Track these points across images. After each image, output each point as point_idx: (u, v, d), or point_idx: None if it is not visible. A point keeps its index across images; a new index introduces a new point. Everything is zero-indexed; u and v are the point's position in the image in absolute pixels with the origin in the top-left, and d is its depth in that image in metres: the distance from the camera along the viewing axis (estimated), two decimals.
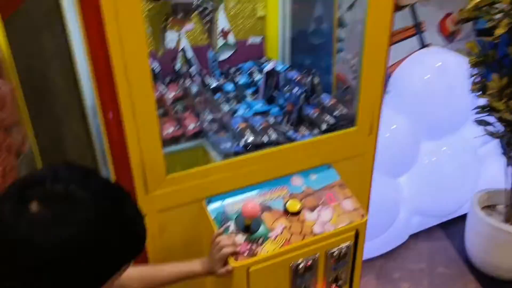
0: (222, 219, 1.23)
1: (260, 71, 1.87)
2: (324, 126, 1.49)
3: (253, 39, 1.99)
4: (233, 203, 1.26)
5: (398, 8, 2.30)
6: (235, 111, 1.62)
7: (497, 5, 1.95)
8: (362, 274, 1.44)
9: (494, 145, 2.56)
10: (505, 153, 2.25)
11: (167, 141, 1.50)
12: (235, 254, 1.14)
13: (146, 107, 1.07)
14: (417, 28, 2.41)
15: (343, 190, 1.33)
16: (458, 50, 2.26)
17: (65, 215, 0.65)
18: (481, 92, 2.16)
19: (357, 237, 1.26)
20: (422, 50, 2.45)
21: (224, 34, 1.89)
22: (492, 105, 2.10)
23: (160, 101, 1.61)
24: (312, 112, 1.56)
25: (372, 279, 2.38)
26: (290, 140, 1.44)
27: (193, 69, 1.76)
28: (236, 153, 1.36)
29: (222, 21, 1.87)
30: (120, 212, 0.71)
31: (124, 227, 0.71)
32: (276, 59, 2.01)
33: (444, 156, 2.46)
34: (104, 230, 0.68)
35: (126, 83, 1.02)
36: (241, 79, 1.80)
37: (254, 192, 1.29)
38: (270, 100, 1.70)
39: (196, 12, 1.25)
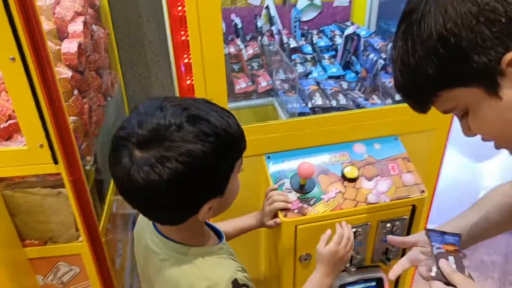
0: (279, 175, 1.26)
1: (342, 34, 1.82)
2: (398, 97, 1.43)
3: (340, 1, 1.94)
4: (292, 162, 1.28)
5: None
6: (309, 73, 1.61)
7: None
8: None
9: None
10: None
11: (239, 95, 1.54)
12: (286, 210, 1.17)
13: (215, 59, 1.11)
14: None
15: (406, 163, 1.29)
16: None
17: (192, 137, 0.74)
18: None
19: (414, 212, 1.23)
20: None
21: None
22: None
23: (237, 57, 1.66)
24: (389, 81, 1.50)
25: None
26: (359, 107, 1.41)
27: (274, 28, 1.77)
28: (302, 114, 1.37)
29: None
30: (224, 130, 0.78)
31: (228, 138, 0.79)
32: (362, 24, 1.94)
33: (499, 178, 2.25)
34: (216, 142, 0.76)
35: (198, 37, 1.06)
36: (321, 42, 1.77)
37: (314, 154, 1.30)
38: (347, 65, 1.66)
39: None
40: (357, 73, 1.62)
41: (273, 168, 1.28)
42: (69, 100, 1.25)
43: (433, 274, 0.88)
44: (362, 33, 1.68)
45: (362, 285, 1.28)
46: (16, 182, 1.26)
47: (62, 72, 1.25)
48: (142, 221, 0.95)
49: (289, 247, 1.21)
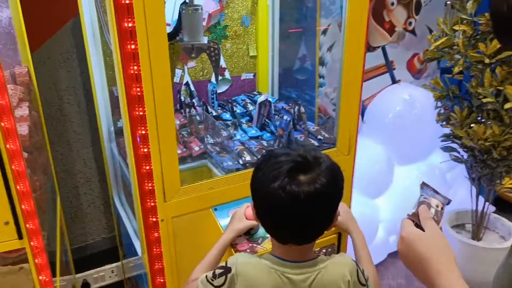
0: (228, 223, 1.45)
1: (253, 102, 2.14)
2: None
3: (246, 75, 2.28)
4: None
5: (370, 48, 2.62)
6: (233, 136, 1.87)
7: (455, 47, 2.27)
8: None
9: (461, 170, 2.85)
10: (469, 176, 2.53)
11: None
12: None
13: (168, 130, 1.31)
14: (388, 66, 2.74)
15: None
16: (424, 86, 2.57)
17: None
18: (445, 122, 2.46)
19: (340, 238, 1.50)
20: (393, 85, 2.77)
21: (222, 70, 2.17)
22: (455, 133, 2.39)
23: None
24: (299, 136, 1.82)
25: None
26: None
27: (195, 100, 2.03)
28: (237, 170, 1.60)
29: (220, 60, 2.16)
30: None
31: None
32: (266, 92, 2.29)
33: (416, 180, 2.73)
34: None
35: (153, 110, 1.27)
36: (237, 109, 2.07)
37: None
38: (262, 127, 1.96)
39: (204, 52, 1.52)
40: (272, 133, 1.92)
41: (221, 217, 1.47)
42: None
43: (409, 213, 0.91)
44: (270, 99, 2.02)
45: None
46: None
47: None
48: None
49: None
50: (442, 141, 2.50)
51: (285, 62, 2.30)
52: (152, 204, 1.39)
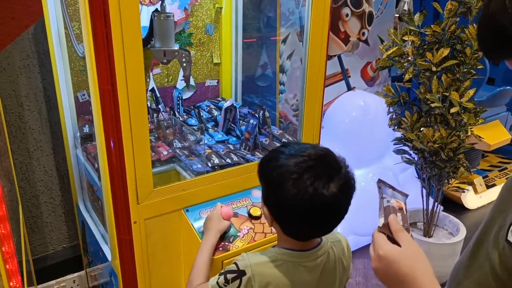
0: (200, 224, 1.50)
1: (217, 108, 2.20)
2: None
3: (210, 82, 2.33)
4: (207, 211, 1.54)
5: (327, 57, 2.74)
6: (200, 140, 1.92)
7: (405, 55, 2.42)
8: None
9: (412, 171, 3.02)
10: (419, 177, 2.68)
11: None
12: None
13: (142, 132, 1.35)
14: (344, 74, 2.88)
15: None
16: (377, 92, 2.72)
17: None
18: (397, 127, 2.60)
19: None
20: (348, 92, 2.90)
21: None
22: (406, 136, 2.54)
23: None
24: (265, 140, 1.90)
25: None
26: (249, 161, 1.76)
27: (161, 106, 2.06)
28: (207, 172, 1.65)
29: None
30: None
31: None
32: (230, 98, 2.36)
33: (372, 182, 2.87)
34: None
35: (127, 113, 1.30)
36: (203, 115, 2.11)
37: (224, 202, 1.58)
38: (228, 131, 2.02)
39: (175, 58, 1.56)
40: (237, 137, 1.99)
41: (192, 218, 1.51)
42: None
43: (379, 225, 0.87)
44: (235, 105, 2.08)
45: None
46: None
47: None
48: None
49: None
50: (395, 144, 2.64)
51: (247, 69, 2.38)
52: (125, 206, 1.41)
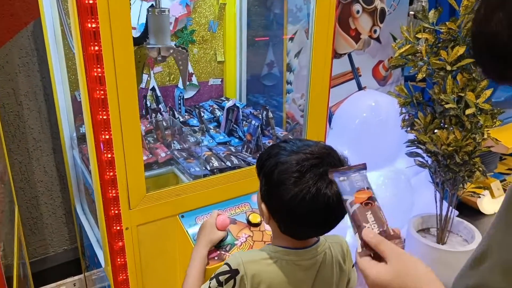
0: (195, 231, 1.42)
1: (220, 108, 2.12)
2: None
3: (214, 81, 2.25)
4: (203, 217, 1.46)
5: (337, 55, 2.65)
6: (200, 142, 1.84)
7: (418, 54, 2.32)
8: None
9: (426, 175, 2.90)
10: (433, 181, 2.58)
11: None
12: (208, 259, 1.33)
13: (133, 134, 1.27)
14: (354, 73, 2.77)
15: None
16: (389, 92, 2.62)
17: None
18: (409, 128, 2.50)
19: None
20: (359, 92, 2.80)
21: (189, 76, 2.14)
22: (419, 139, 2.43)
23: None
24: (268, 142, 1.81)
25: None
26: (250, 165, 1.67)
27: (161, 106, 1.98)
28: (205, 176, 1.57)
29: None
30: None
31: None
32: (234, 98, 2.27)
33: (383, 186, 2.77)
34: None
35: (117, 114, 1.22)
36: (205, 115, 2.04)
37: (221, 208, 1.50)
38: (230, 132, 1.94)
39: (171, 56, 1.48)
40: (240, 138, 1.90)
41: (188, 225, 1.43)
42: None
43: (359, 250, 0.78)
44: (238, 105, 2.00)
45: None
46: None
47: None
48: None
49: None
50: (407, 146, 2.54)
51: (252, 68, 2.30)
52: (116, 212, 1.34)
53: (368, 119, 2.65)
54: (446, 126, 2.28)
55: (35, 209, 2.34)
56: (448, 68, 2.13)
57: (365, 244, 0.77)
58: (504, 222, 0.69)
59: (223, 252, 1.36)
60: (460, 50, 2.06)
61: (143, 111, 1.97)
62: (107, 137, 1.24)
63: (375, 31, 2.76)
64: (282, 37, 2.29)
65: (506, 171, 3.69)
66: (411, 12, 3.09)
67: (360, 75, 2.80)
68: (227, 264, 1.02)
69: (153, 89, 2.02)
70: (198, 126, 1.98)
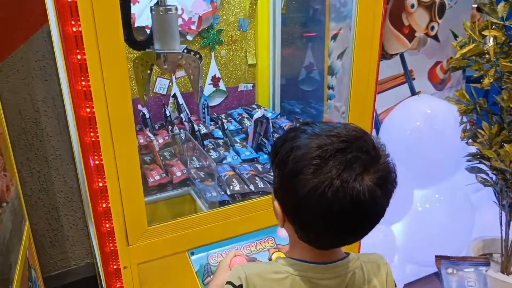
0: (206, 271, 1.19)
1: (250, 117, 1.88)
2: None
3: (244, 86, 2.02)
4: (217, 255, 1.23)
5: (387, 56, 2.35)
6: (223, 158, 1.61)
7: (485, 55, 2.00)
8: None
9: (488, 191, 2.55)
10: (498, 201, 2.24)
11: (154, 188, 1.48)
12: None
13: (128, 158, 1.06)
14: (407, 76, 2.46)
15: None
16: (448, 98, 2.30)
17: None
18: (471, 140, 2.18)
19: None
20: (412, 97, 2.50)
21: (215, 80, 1.92)
22: (482, 153, 2.11)
23: (148, 148, 1.61)
24: None
25: None
26: None
27: (183, 115, 1.77)
28: (222, 202, 1.34)
29: (213, 68, 1.90)
30: None
31: None
32: (267, 105, 2.03)
33: (438, 204, 2.45)
34: None
35: (108, 131, 1.01)
36: (230, 126, 1.81)
37: (239, 243, 1.26)
38: (258, 147, 1.70)
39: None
40: (269, 154, 1.66)
41: (198, 264, 1.21)
42: None
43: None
44: (268, 115, 1.75)
45: None
46: None
47: None
48: None
49: None
50: (468, 160, 2.22)
51: (288, 71, 2.04)
52: (112, 248, 1.14)
53: (422, 128, 2.34)
54: None
55: (55, 220, 2.21)
56: None
57: None
58: None
59: None
60: None
61: (163, 121, 1.77)
62: (96, 162, 1.03)
63: (432, 28, 2.44)
64: (323, 35, 2.03)
65: None
66: (475, 5, 2.76)
67: (413, 78, 2.50)
68: (229, 283, 0.83)
69: (174, 96, 1.81)
70: (223, 138, 1.76)
